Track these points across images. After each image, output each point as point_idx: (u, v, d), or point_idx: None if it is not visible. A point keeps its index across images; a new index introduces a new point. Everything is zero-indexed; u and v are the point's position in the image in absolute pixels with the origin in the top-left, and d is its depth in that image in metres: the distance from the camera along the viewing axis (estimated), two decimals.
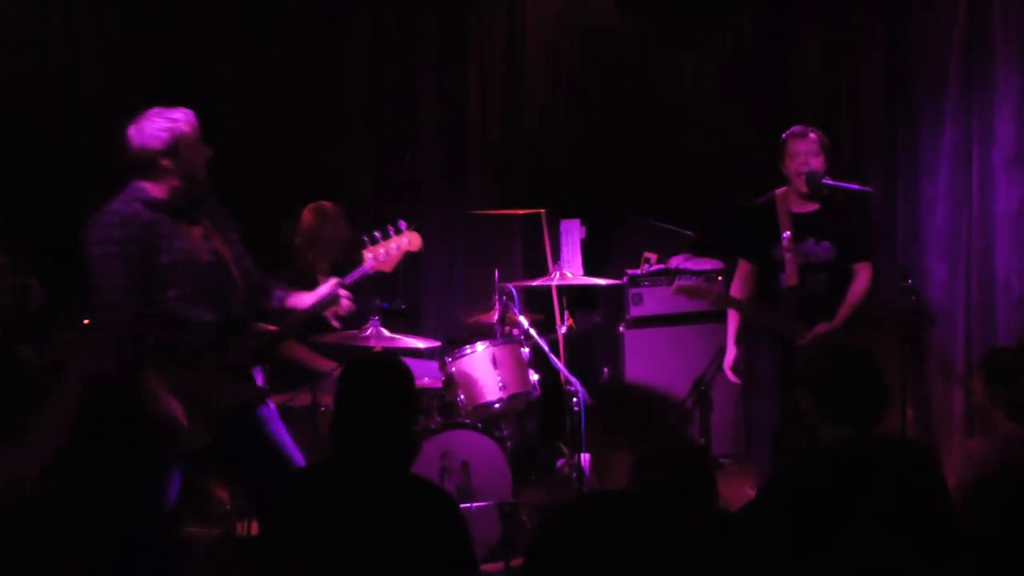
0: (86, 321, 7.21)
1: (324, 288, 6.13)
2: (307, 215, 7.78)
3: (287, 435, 6.00)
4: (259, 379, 6.02)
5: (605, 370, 8.97)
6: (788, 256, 7.24)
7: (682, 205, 9.48)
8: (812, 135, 7.27)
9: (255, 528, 7.00)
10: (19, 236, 7.92)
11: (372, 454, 4.30)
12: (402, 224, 6.18)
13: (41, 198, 8.42)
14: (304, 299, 6.13)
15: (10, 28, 8.42)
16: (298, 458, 5.89)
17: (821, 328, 7.15)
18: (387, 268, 6.16)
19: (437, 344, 7.88)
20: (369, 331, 7.02)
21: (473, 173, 9.85)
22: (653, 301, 8.93)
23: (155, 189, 5.69)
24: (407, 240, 6.16)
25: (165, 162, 5.65)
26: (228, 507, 7.17)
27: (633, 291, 8.91)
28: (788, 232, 7.25)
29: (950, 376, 8.20)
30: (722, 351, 7.68)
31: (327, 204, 7.77)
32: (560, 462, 8.38)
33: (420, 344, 7.55)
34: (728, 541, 4.04)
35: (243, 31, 8.92)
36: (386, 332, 7.17)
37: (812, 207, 7.32)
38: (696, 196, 9.59)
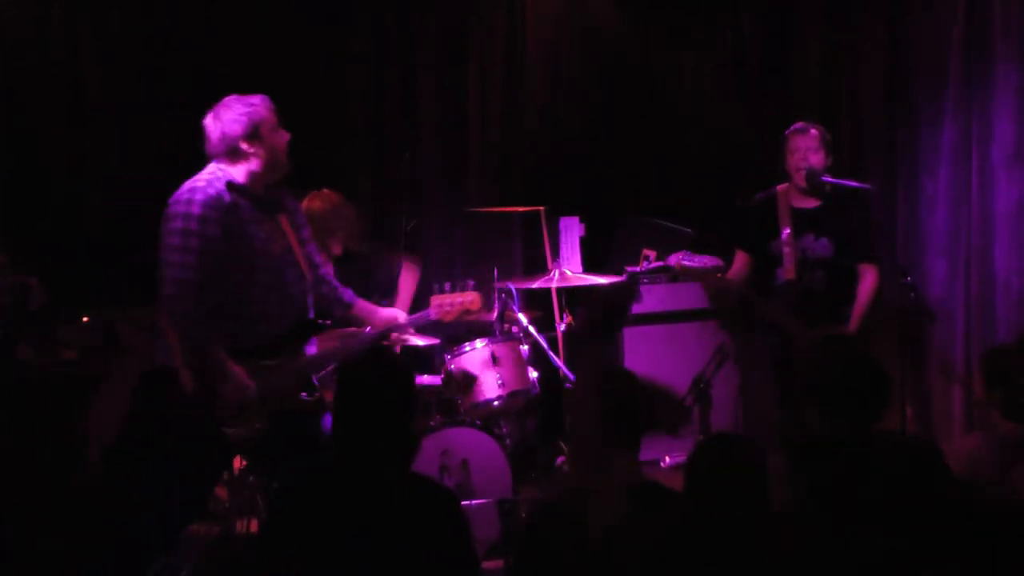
0: (85, 319, 7.23)
1: (388, 321, 6.44)
2: (310, 204, 7.78)
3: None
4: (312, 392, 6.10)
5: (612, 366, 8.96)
6: (787, 251, 7.28)
7: (681, 203, 9.47)
8: (813, 131, 7.30)
9: (255, 526, 7.00)
10: (19, 236, 7.92)
11: (372, 452, 4.30)
12: (470, 283, 6.48)
13: (41, 198, 8.42)
14: (372, 322, 6.44)
15: (10, 28, 8.42)
16: None
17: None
18: (447, 320, 6.48)
19: (436, 341, 7.88)
20: (369, 328, 7.03)
21: (473, 171, 9.83)
22: (652, 298, 8.92)
23: (239, 174, 5.72)
24: (471, 299, 6.47)
25: (246, 146, 5.70)
26: (227, 505, 7.17)
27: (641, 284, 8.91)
28: (788, 227, 7.29)
29: (950, 374, 8.21)
30: (721, 348, 7.70)
31: (327, 191, 7.75)
32: (560, 460, 8.38)
33: (419, 341, 7.56)
34: (723, 537, 4.05)
35: (243, 31, 8.91)
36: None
37: (813, 203, 7.36)
38: (695, 194, 9.58)
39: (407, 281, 7.79)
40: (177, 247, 5.57)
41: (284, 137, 5.89)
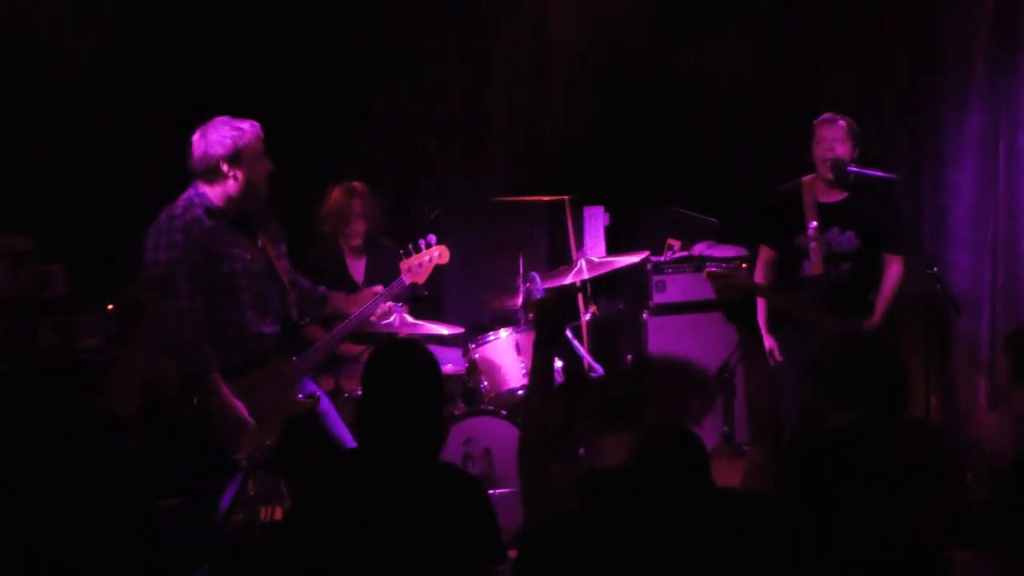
0: (110, 307, 7.22)
1: (366, 299, 6.43)
2: (336, 194, 7.79)
3: (343, 428, 6.11)
4: (311, 385, 6.12)
5: (628, 357, 8.96)
6: (813, 245, 7.26)
7: (706, 192, 9.45)
8: (841, 122, 7.26)
9: (279, 514, 7.02)
10: (44, 223, 7.93)
11: (400, 440, 4.31)
12: (431, 238, 6.53)
13: (67, 185, 8.41)
14: (349, 308, 6.42)
15: (34, 23, 8.42)
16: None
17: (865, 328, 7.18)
18: (420, 280, 6.54)
19: (460, 330, 7.88)
20: (393, 317, 7.04)
21: (497, 161, 9.84)
22: (676, 288, 8.92)
23: (216, 196, 5.74)
24: (437, 253, 6.56)
25: (226, 168, 5.71)
26: (252, 493, 7.18)
27: (657, 278, 8.90)
28: (815, 221, 7.27)
29: (975, 363, 8.19)
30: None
31: (356, 183, 7.76)
32: (582, 449, 8.37)
33: (443, 330, 7.56)
34: (729, 527, 4.04)
35: (263, 21, 8.91)
36: (410, 318, 7.20)
37: (839, 196, 7.34)
38: (720, 184, 9.56)
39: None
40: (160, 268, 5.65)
41: (266, 167, 5.94)
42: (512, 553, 4.92)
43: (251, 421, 5.74)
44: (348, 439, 6.10)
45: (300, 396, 6.13)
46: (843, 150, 7.22)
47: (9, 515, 6.51)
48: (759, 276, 7.59)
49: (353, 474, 4.36)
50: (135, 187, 8.35)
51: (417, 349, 4.63)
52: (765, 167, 8.97)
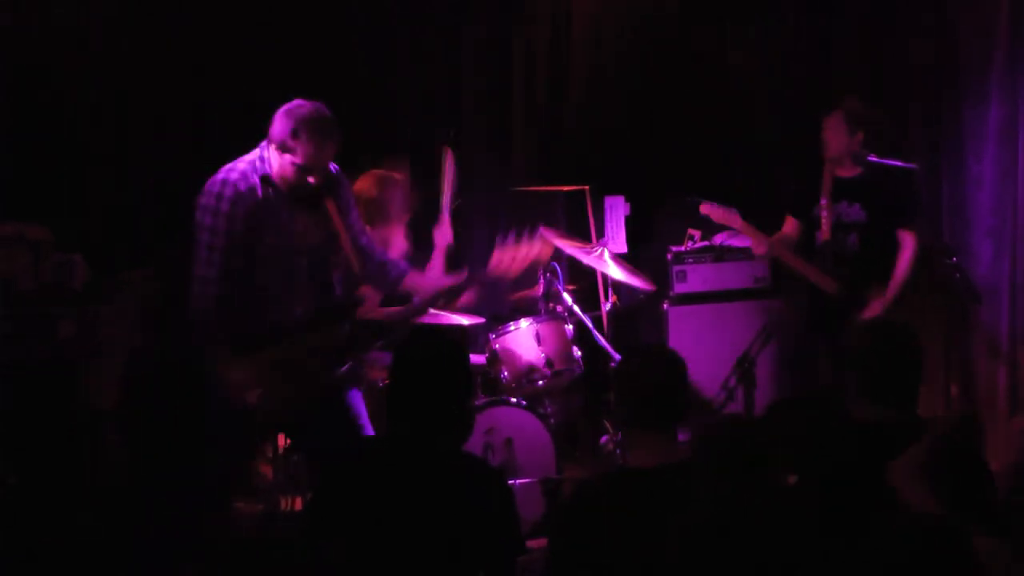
0: None
1: (443, 282, 6.30)
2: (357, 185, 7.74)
3: (364, 413, 6.07)
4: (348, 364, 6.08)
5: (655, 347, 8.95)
6: (824, 214, 7.58)
7: (727, 182, 9.43)
8: (837, 111, 7.63)
9: (298, 503, 7.04)
10: (63, 212, 7.95)
11: (424, 430, 4.33)
12: (540, 229, 6.16)
13: (86, 175, 8.43)
14: (424, 285, 6.25)
15: (53, 13, 8.43)
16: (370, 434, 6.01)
17: (875, 305, 7.45)
18: (511, 275, 6.14)
19: (481, 320, 7.88)
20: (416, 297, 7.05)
21: (518, 150, 9.84)
22: (697, 278, 8.91)
23: (279, 164, 5.71)
24: (537, 249, 6.09)
25: (293, 144, 5.66)
26: (272, 482, 7.21)
27: (677, 268, 8.89)
28: (827, 195, 7.62)
29: (995, 353, 8.18)
30: (766, 327, 7.73)
31: (375, 171, 7.71)
32: (604, 439, 8.37)
33: (464, 320, 7.56)
34: (759, 520, 4.04)
35: (284, 7, 8.91)
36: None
37: (853, 172, 7.64)
38: (741, 173, 9.54)
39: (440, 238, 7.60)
40: (204, 243, 5.66)
41: (330, 153, 5.82)
42: (532, 544, 4.94)
43: (253, 403, 5.69)
44: (365, 425, 6.06)
45: (336, 372, 6.03)
46: (839, 138, 7.59)
47: (24, 503, 6.62)
48: (782, 239, 7.92)
49: (375, 464, 4.39)
50: (150, 179, 8.40)
51: (444, 338, 4.63)
52: (786, 157, 8.95)
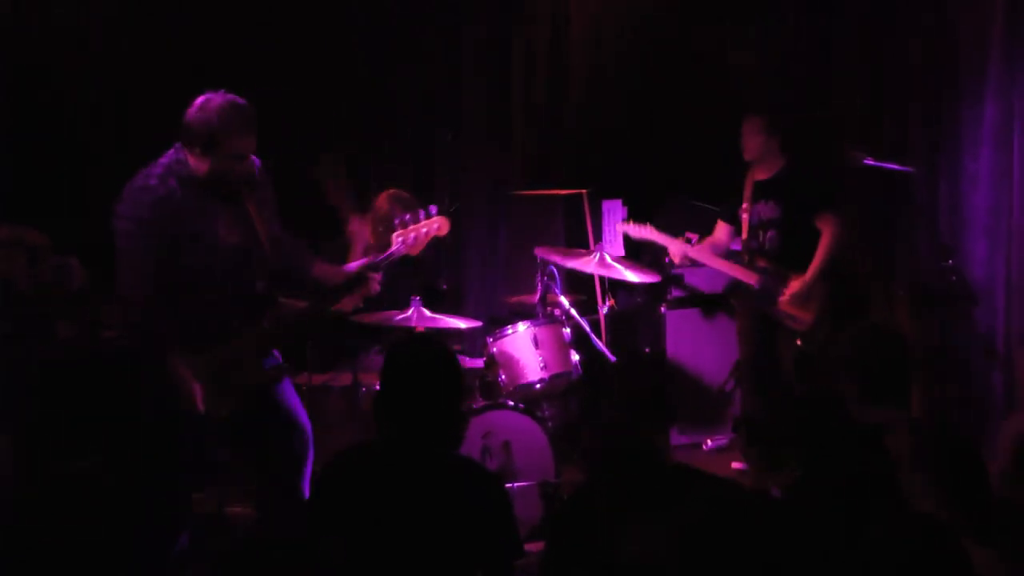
0: None
1: (352, 267, 6.16)
2: (376, 203, 7.72)
3: (299, 403, 6.03)
4: (278, 357, 6.03)
5: (647, 351, 8.97)
6: (744, 216, 8.08)
7: (724, 185, 9.44)
8: (755, 118, 8.13)
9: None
10: (60, 215, 7.94)
11: (417, 435, 4.33)
12: (433, 209, 6.15)
13: (81, 177, 8.43)
14: (331, 275, 6.14)
15: (53, 15, 8.44)
16: (307, 426, 5.97)
17: (794, 284, 7.87)
18: (414, 252, 6.11)
19: (479, 324, 7.89)
20: (411, 311, 7.06)
21: (515, 154, 9.85)
22: (694, 281, 8.96)
23: (196, 164, 5.63)
24: (436, 225, 6.12)
25: (199, 151, 5.58)
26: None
27: (675, 271, 8.92)
28: (747, 198, 8.11)
29: (990, 354, 8.19)
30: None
31: (394, 190, 7.71)
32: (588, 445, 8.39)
33: (461, 324, 7.57)
34: (762, 523, 4.05)
35: (283, 6, 8.92)
36: (427, 312, 7.21)
37: (768, 174, 8.11)
38: (739, 176, 9.54)
39: (360, 233, 7.62)
40: (128, 250, 5.57)
41: (239, 166, 5.70)
42: (530, 547, 4.95)
43: (200, 405, 5.60)
44: (300, 413, 5.99)
45: (266, 367, 5.98)
46: (755, 143, 8.10)
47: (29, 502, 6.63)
48: (708, 241, 8.43)
49: (370, 468, 4.38)
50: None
51: (436, 344, 4.64)
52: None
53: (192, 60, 8.60)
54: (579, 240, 9.02)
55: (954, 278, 7.52)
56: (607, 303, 8.62)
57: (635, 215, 9.24)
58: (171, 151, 5.69)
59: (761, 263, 8.01)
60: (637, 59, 10.20)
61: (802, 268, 7.86)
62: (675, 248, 8.15)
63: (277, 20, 8.87)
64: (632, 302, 9.25)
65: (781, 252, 8.00)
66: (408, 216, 6.10)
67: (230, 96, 5.63)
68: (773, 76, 9.82)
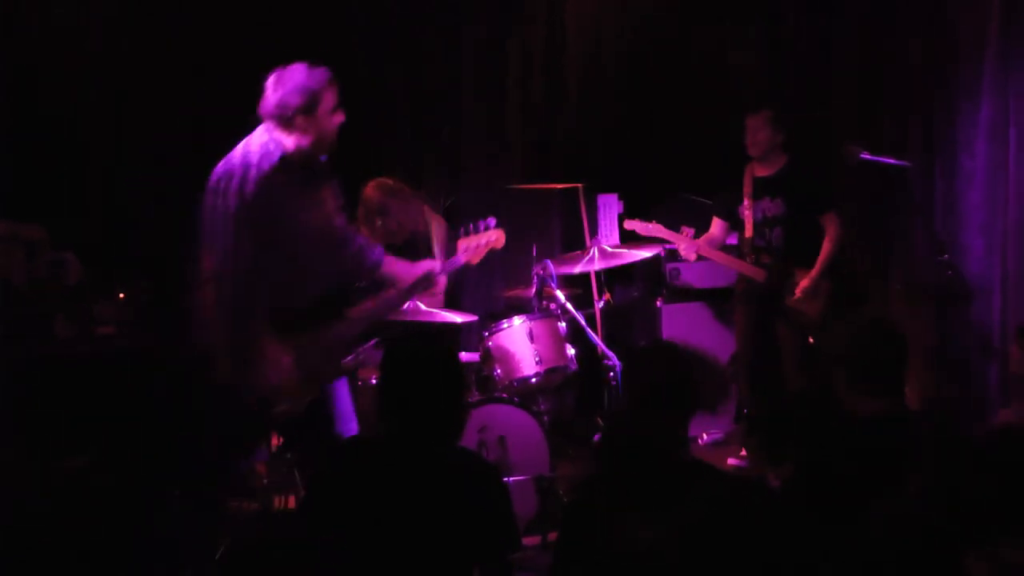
0: (121, 295, 7.26)
1: (421, 268, 6.28)
2: (366, 191, 7.73)
3: (350, 407, 6.06)
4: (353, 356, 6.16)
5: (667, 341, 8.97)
6: (747, 214, 8.26)
7: (720, 179, 9.44)
8: (762, 112, 8.24)
9: (292, 503, 7.05)
10: (56, 211, 7.96)
11: (418, 428, 4.34)
12: (491, 221, 6.43)
13: (78, 173, 8.44)
14: (402, 274, 6.26)
15: (52, 14, 8.44)
16: (353, 429, 5.99)
17: (803, 281, 8.01)
18: (475, 261, 6.42)
19: (474, 318, 7.89)
20: (407, 305, 7.06)
21: (512, 148, 9.86)
22: (691, 275, 8.99)
23: (288, 142, 5.68)
24: (495, 237, 6.42)
25: (300, 120, 5.62)
26: (266, 482, 7.22)
27: (671, 265, 8.94)
28: (748, 195, 8.28)
29: (987, 350, 8.19)
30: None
31: (384, 179, 7.72)
32: (597, 436, 8.39)
33: (458, 318, 7.57)
34: (762, 514, 4.05)
35: (282, 6, 8.93)
36: (423, 306, 7.22)
37: (770, 171, 8.23)
38: (734, 171, 9.54)
39: (437, 234, 7.74)
40: (230, 222, 5.57)
41: (339, 119, 5.80)
42: (527, 541, 4.96)
43: (290, 365, 5.66)
44: (348, 417, 6.05)
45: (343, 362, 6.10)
46: (761, 137, 8.20)
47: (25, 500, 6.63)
48: (706, 238, 8.44)
49: (369, 463, 4.39)
50: (150, 179, 8.41)
51: (436, 340, 4.65)
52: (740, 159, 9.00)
53: (192, 60, 8.62)
54: (575, 234, 9.04)
55: (950, 273, 7.52)
56: (603, 297, 8.62)
57: (634, 211, 9.26)
58: (260, 136, 5.73)
59: (766, 259, 8.12)
60: (637, 59, 10.20)
61: (806, 264, 8.02)
62: (684, 245, 8.20)
63: (277, 20, 8.86)
64: (628, 296, 9.26)
65: (787, 249, 8.15)
66: (471, 226, 6.40)
67: (296, 64, 5.71)
68: (773, 76, 9.83)
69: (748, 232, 8.24)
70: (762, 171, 8.29)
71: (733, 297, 8.55)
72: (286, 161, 5.67)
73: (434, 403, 4.37)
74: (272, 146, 5.67)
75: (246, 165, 5.63)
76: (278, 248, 5.65)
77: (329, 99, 5.72)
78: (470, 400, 7.32)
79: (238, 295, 5.59)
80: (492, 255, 8.60)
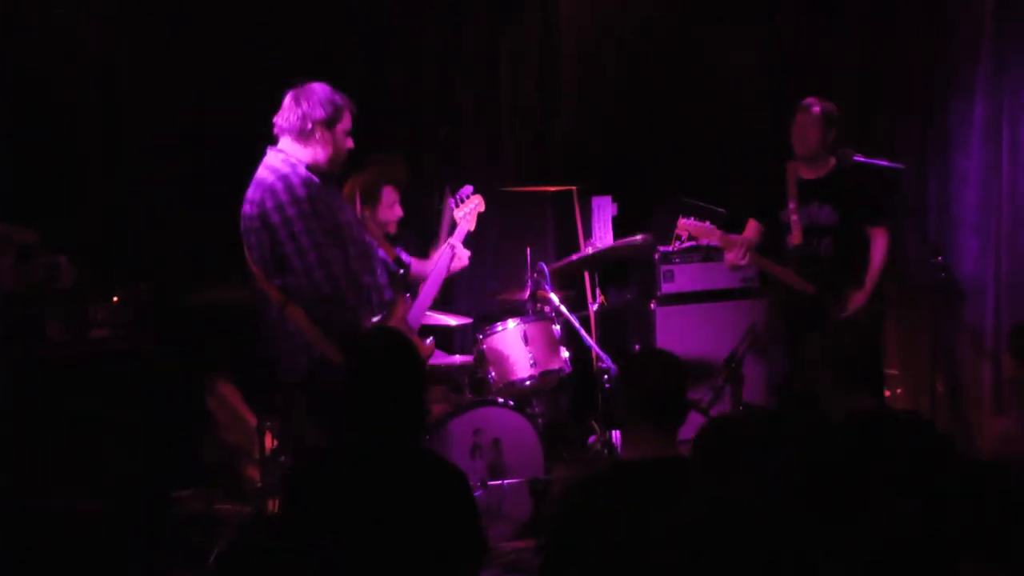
0: (115, 299, 7.25)
1: (443, 255, 6.72)
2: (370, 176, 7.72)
3: None
4: None
5: (636, 347, 8.98)
6: (794, 219, 7.57)
7: (715, 182, 9.45)
8: (815, 109, 7.57)
9: None
10: (49, 213, 7.96)
11: (378, 429, 4.32)
12: (469, 189, 6.99)
13: (72, 176, 8.44)
14: (430, 267, 6.75)
15: (49, 14, 8.44)
16: None
17: (858, 298, 7.50)
18: (472, 227, 6.99)
19: (469, 321, 7.90)
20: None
21: (506, 151, 9.86)
22: (685, 278, 8.95)
23: (315, 152, 5.86)
24: (478, 201, 7.04)
25: (320, 133, 5.82)
26: (259, 486, 7.23)
27: (665, 268, 8.91)
28: (794, 198, 7.60)
29: (980, 351, 8.21)
30: (752, 327, 7.76)
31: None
32: (592, 439, 8.41)
33: (452, 321, 7.58)
34: (752, 515, 4.07)
35: (278, 8, 8.93)
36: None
37: (817, 174, 7.66)
38: (729, 173, 9.56)
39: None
40: (300, 232, 5.69)
41: (350, 143, 6.04)
42: (520, 544, 4.97)
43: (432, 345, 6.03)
44: None
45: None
46: (813, 135, 7.57)
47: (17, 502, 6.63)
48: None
49: (336, 464, 4.39)
50: (137, 180, 8.42)
51: (393, 336, 4.63)
52: (774, 156, 8.97)
53: (192, 60, 8.63)
54: (569, 237, 9.04)
55: (943, 275, 7.53)
56: (597, 300, 8.63)
57: (634, 212, 9.28)
58: (272, 154, 5.89)
59: (816, 270, 7.63)
60: (636, 59, 10.21)
61: (851, 276, 7.59)
62: (736, 251, 7.62)
63: (277, 20, 8.87)
64: (622, 299, 9.26)
65: (836, 259, 7.63)
66: (459, 196, 6.92)
67: (318, 83, 6.00)
68: (773, 76, 9.84)
69: (796, 239, 7.63)
70: (808, 173, 7.68)
71: (768, 306, 8.32)
72: (312, 170, 5.84)
73: (388, 400, 4.33)
74: (294, 160, 5.83)
75: (282, 177, 5.76)
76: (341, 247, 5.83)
77: (347, 119, 5.97)
78: (464, 403, 7.33)
79: (352, 299, 5.79)
80: (487, 258, 8.67)
